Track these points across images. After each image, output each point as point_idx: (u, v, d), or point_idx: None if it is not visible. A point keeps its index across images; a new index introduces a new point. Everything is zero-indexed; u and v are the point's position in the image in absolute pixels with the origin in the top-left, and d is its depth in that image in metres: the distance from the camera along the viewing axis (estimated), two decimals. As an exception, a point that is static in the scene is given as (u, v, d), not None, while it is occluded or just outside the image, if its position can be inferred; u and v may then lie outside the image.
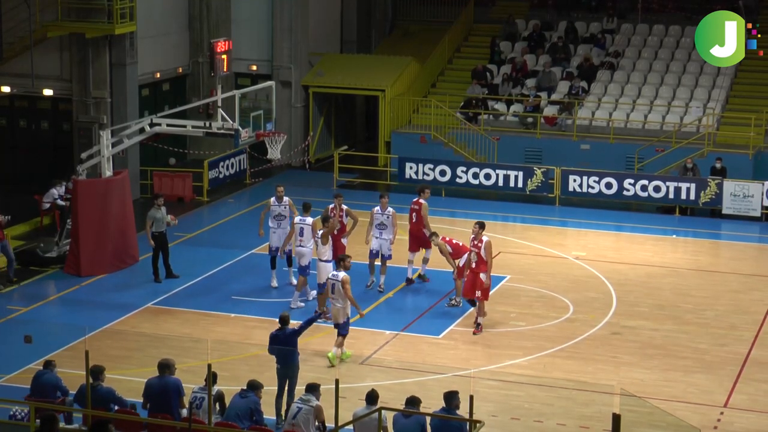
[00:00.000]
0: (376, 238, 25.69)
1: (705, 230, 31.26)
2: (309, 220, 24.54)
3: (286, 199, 25.74)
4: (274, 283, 25.77)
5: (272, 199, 25.76)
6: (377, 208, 25.86)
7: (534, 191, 33.45)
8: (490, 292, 23.68)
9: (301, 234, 24.43)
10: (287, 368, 19.05)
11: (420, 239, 26.08)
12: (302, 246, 24.42)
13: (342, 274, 21.56)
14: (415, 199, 26.27)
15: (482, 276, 23.00)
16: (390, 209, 25.80)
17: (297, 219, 24.82)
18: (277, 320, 19.59)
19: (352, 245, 26.15)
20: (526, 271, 27.26)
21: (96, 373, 17.11)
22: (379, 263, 25.80)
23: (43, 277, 26.76)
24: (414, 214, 26.10)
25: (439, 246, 25.11)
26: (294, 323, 19.72)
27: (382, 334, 23.18)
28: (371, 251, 25.81)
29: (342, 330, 21.60)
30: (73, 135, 32.69)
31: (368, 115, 41.03)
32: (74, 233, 26.90)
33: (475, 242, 23.33)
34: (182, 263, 27.00)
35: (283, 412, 18.48)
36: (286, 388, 18.99)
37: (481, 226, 23.47)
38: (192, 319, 24.16)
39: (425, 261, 26.31)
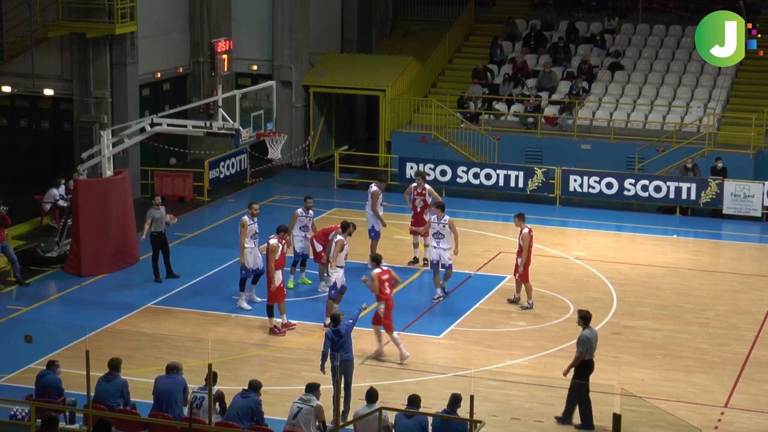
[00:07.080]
0: (434, 248, 25.08)
1: (705, 230, 31.24)
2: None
3: (256, 216, 24.48)
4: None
5: (246, 218, 24.41)
6: (434, 216, 25.18)
7: (535, 191, 33.42)
8: None
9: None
10: (346, 362, 19.03)
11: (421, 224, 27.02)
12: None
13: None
14: (414, 185, 27.16)
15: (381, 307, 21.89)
16: (446, 217, 25.01)
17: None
18: (330, 321, 19.74)
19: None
20: (526, 271, 27.24)
21: (115, 365, 17.38)
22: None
23: (44, 277, 26.75)
24: (418, 199, 26.92)
25: (524, 238, 24.44)
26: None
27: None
28: (432, 262, 25.28)
29: None
30: (74, 135, 32.68)
31: (369, 115, 41.00)
32: (75, 233, 26.89)
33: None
34: (183, 263, 26.99)
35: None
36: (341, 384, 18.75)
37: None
38: (192, 319, 24.15)
39: (426, 246, 26.90)
